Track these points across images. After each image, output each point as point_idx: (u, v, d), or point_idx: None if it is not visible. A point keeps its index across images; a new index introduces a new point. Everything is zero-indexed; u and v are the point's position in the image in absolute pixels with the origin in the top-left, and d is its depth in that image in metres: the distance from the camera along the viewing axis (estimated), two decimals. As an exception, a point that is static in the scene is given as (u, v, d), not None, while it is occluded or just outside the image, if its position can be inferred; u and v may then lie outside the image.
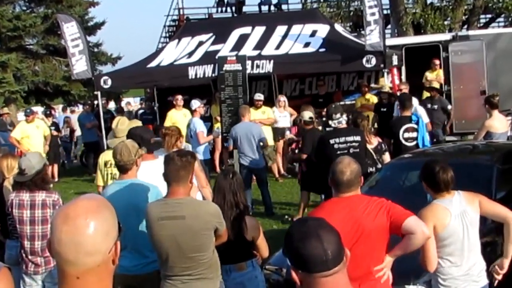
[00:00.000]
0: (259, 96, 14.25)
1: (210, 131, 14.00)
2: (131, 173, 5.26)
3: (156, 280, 5.09)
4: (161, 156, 6.35)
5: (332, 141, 8.23)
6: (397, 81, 14.36)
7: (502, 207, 4.59)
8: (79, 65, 15.23)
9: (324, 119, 14.34)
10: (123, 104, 26.07)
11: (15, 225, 6.09)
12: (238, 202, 4.97)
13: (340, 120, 8.34)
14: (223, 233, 4.65)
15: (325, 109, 14.94)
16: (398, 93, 12.83)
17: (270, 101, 14.84)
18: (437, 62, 15.04)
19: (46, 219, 5.75)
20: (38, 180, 5.83)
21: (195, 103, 13.18)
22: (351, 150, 8.17)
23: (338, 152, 8.12)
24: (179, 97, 14.28)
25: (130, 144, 5.33)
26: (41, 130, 15.20)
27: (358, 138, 8.32)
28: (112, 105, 28.89)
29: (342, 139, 8.22)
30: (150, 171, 5.54)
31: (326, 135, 8.67)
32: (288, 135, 14.39)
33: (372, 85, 15.25)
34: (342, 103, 15.25)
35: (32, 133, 14.79)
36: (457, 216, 4.41)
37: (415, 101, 12.42)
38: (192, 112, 12.98)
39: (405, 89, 12.80)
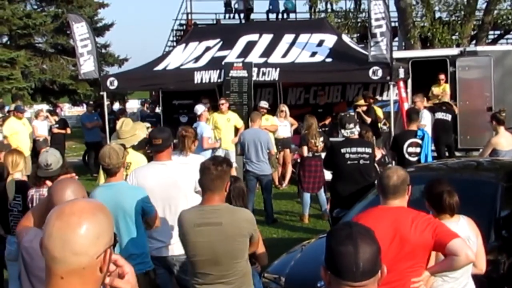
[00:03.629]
0: (264, 104, 14.19)
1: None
2: (119, 175, 5.31)
3: (143, 283, 5.10)
4: (175, 157, 6.35)
5: (343, 150, 8.21)
6: (403, 94, 14.33)
7: (484, 258, 4.53)
8: (87, 65, 15.24)
9: (325, 129, 14.34)
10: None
11: (17, 221, 6.08)
12: None
13: (353, 131, 8.32)
14: (257, 241, 4.65)
15: (325, 120, 15.07)
16: (405, 105, 12.85)
17: (274, 109, 14.80)
18: (442, 76, 15.00)
19: None
20: (65, 174, 5.82)
21: (200, 108, 13.15)
22: (361, 161, 8.17)
23: (349, 162, 8.13)
24: (224, 101, 13.89)
25: (117, 147, 5.37)
26: (27, 127, 15.17)
27: (369, 150, 8.32)
28: (116, 106, 28.95)
29: (354, 149, 8.21)
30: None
31: (338, 144, 8.65)
32: (293, 147, 14.33)
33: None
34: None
35: (21, 130, 14.74)
36: None
37: (427, 113, 12.43)
38: (198, 116, 12.95)
39: (419, 101, 12.66)
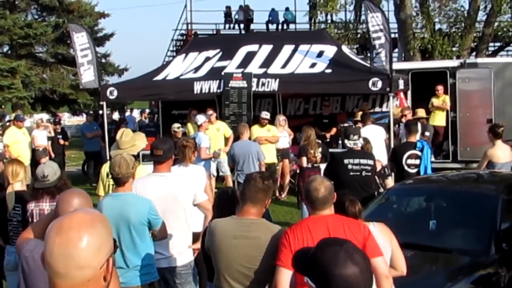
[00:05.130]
0: (266, 115, 14.13)
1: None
2: (127, 186, 5.29)
3: None
4: (176, 167, 6.33)
5: (346, 161, 8.19)
6: (406, 105, 14.34)
7: (403, 259, 4.57)
8: (87, 75, 15.24)
9: (327, 140, 14.33)
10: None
11: (16, 231, 6.09)
12: None
13: (356, 142, 8.31)
14: None
15: (331, 131, 15.03)
16: (403, 119, 12.84)
17: (274, 119, 14.79)
18: (440, 88, 14.99)
19: None
20: (63, 185, 5.82)
21: (201, 118, 13.17)
22: (363, 173, 8.16)
23: (351, 173, 8.11)
24: (212, 111, 14.01)
25: (128, 157, 5.34)
26: (27, 136, 15.18)
27: (371, 162, 8.31)
28: (116, 116, 28.99)
29: (357, 161, 8.20)
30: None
31: (341, 154, 8.63)
32: (292, 158, 14.31)
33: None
34: (346, 124, 15.24)
35: (21, 139, 14.74)
36: None
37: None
38: (198, 127, 12.97)
39: (409, 114, 12.75)
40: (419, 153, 9.09)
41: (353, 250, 2.30)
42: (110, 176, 6.87)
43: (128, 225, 5.10)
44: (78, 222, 1.97)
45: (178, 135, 13.51)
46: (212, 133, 13.53)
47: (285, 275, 3.96)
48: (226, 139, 13.99)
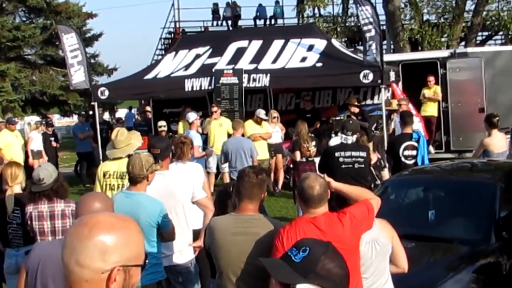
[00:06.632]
0: (263, 115, 14.03)
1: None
2: (139, 186, 5.27)
3: None
4: (173, 165, 6.32)
5: (337, 154, 8.16)
6: (400, 96, 14.35)
7: (404, 256, 4.44)
8: (78, 76, 15.21)
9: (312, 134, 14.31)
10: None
11: (16, 234, 6.07)
12: None
13: (347, 139, 8.23)
14: None
15: (315, 125, 15.01)
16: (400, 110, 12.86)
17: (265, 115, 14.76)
18: (431, 79, 15.01)
19: (66, 229, 5.63)
20: (59, 187, 5.80)
21: (192, 116, 13.12)
22: (356, 165, 8.13)
23: (343, 166, 8.08)
24: (216, 108, 13.91)
25: (145, 159, 5.27)
26: (19, 139, 15.14)
27: (363, 154, 8.26)
28: (106, 116, 28.93)
29: (348, 153, 8.16)
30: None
31: (333, 148, 8.61)
32: (286, 152, 14.28)
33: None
34: (338, 118, 15.25)
35: (14, 142, 14.71)
36: (368, 243, 4.21)
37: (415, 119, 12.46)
38: (190, 124, 12.91)
39: (405, 105, 12.76)
40: (416, 144, 9.09)
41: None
42: (107, 176, 6.91)
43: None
44: (94, 222, 1.92)
45: (162, 134, 13.51)
46: (215, 129, 13.56)
47: None
48: (229, 136, 13.89)
